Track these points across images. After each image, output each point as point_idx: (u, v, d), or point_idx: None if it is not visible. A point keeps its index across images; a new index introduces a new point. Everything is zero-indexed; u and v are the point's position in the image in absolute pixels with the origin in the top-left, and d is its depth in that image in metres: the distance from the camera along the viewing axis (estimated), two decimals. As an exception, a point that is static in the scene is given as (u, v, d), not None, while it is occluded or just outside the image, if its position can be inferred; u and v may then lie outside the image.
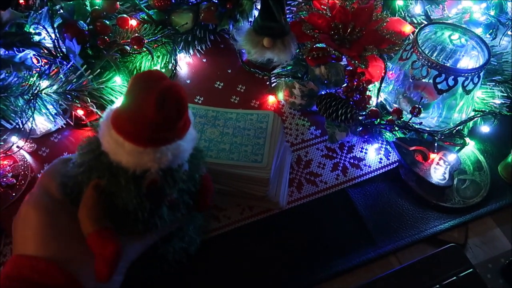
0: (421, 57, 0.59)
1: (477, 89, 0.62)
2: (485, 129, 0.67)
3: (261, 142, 0.56)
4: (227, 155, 0.55)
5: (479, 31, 0.75)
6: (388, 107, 0.68)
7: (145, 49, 0.66)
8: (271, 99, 0.70)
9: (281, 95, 0.69)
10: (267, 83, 0.72)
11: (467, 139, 0.64)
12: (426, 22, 0.71)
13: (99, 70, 0.60)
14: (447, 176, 0.60)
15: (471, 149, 0.65)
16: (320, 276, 0.52)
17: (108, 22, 0.65)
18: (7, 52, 0.59)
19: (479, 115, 0.65)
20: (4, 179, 0.58)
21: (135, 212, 0.38)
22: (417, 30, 0.62)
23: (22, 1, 0.68)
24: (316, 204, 0.59)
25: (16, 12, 0.62)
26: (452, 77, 0.58)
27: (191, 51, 0.75)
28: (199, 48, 0.76)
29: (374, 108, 0.63)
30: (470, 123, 0.66)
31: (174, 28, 0.70)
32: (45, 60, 0.63)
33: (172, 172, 0.38)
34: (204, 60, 0.76)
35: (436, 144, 0.63)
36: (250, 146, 0.56)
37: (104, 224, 0.37)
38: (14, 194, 0.57)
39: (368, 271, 0.53)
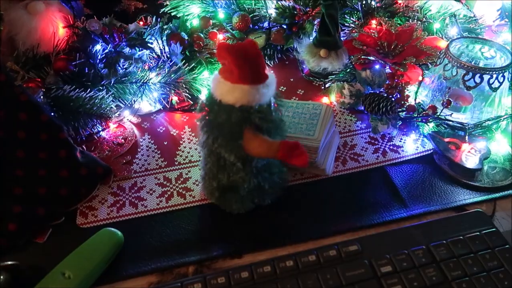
0: (451, 60, 0.71)
1: (506, 94, 0.72)
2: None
3: (314, 122, 0.70)
4: (286, 129, 0.69)
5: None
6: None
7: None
8: (324, 100, 0.85)
9: (333, 97, 0.84)
10: (322, 87, 0.87)
11: (497, 134, 0.72)
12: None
13: (193, 65, 0.80)
14: (477, 161, 0.69)
15: (503, 145, 0.72)
16: (356, 225, 0.62)
17: (202, 35, 0.86)
18: (130, 50, 0.81)
19: (506, 116, 0.73)
20: (117, 140, 0.77)
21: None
22: (449, 42, 0.75)
23: (142, 23, 0.92)
24: (357, 175, 0.70)
25: (138, 24, 0.85)
26: (478, 74, 0.69)
27: (261, 64, 0.93)
28: (268, 63, 0.94)
29: (411, 104, 0.75)
30: (503, 124, 0.74)
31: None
32: (154, 61, 0.84)
33: (263, 107, 0.54)
34: (272, 72, 0.93)
35: (467, 137, 0.72)
36: (305, 125, 0.70)
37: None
38: (120, 150, 0.75)
39: (399, 226, 0.62)
